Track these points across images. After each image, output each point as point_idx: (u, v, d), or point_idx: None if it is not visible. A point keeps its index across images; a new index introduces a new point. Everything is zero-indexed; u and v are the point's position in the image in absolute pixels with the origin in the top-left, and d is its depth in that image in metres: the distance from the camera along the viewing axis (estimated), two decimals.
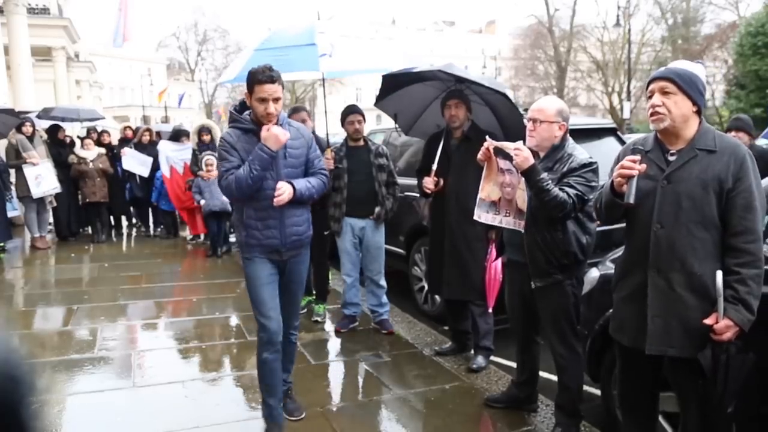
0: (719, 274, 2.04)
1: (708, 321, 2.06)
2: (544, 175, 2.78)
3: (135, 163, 8.98)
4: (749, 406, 2.29)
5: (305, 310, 4.95)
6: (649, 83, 2.26)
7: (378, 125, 13.33)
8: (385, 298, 4.72)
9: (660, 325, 2.15)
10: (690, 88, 2.16)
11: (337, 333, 4.64)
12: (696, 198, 2.11)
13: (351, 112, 4.57)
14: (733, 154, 2.11)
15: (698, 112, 2.20)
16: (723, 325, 2.03)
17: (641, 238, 2.22)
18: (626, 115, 24.48)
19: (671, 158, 2.19)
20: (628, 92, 25.81)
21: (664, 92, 2.17)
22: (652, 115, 2.20)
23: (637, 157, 2.13)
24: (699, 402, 2.18)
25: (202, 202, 7.37)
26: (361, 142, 4.63)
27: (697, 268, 2.10)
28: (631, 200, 2.12)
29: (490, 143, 3.04)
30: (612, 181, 2.22)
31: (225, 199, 7.24)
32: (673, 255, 2.14)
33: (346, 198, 4.52)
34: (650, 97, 2.23)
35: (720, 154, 2.12)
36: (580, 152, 2.90)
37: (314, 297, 5.08)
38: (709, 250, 2.11)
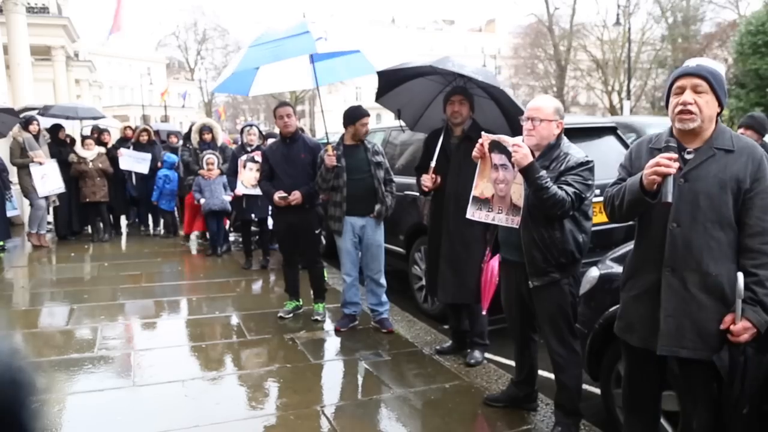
0: (741, 275, 2.03)
1: (725, 322, 2.04)
2: (543, 172, 2.76)
3: (132, 162, 8.96)
4: (759, 405, 2.28)
5: (291, 315, 4.96)
6: (677, 78, 2.15)
7: (378, 124, 13.30)
8: (384, 297, 4.71)
9: (673, 325, 2.12)
10: (720, 88, 2.11)
11: (337, 332, 4.63)
12: (714, 197, 2.08)
13: (363, 114, 4.53)
14: (750, 155, 2.09)
15: (719, 113, 2.16)
16: (741, 326, 2.01)
17: (656, 237, 2.17)
18: (626, 113, 24.49)
19: (688, 156, 2.15)
20: (628, 91, 25.81)
21: (697, 91, 2.09)
22: (681, 113, 2.10)
23: (674, 155, 2.04)
24: (709, 403, 2.16)
25: (202, 201, 7.36)
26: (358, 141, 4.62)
27: (713, 269, 2.08)
28: (670, 199, 2.03)
29: (485, 138, 3.03)
30: (641, 179, 2.10)
31: (225, 198, 7.26)
32: (689, 254, 2.10)
33: (346, 197, 4.51)
34: (678, 94, 2.12)
35: (738, 154, 2.10)
36: (576, 151, 2.89)
37: (301, 302, 5.11)
38: (725, 251, 2.09)
